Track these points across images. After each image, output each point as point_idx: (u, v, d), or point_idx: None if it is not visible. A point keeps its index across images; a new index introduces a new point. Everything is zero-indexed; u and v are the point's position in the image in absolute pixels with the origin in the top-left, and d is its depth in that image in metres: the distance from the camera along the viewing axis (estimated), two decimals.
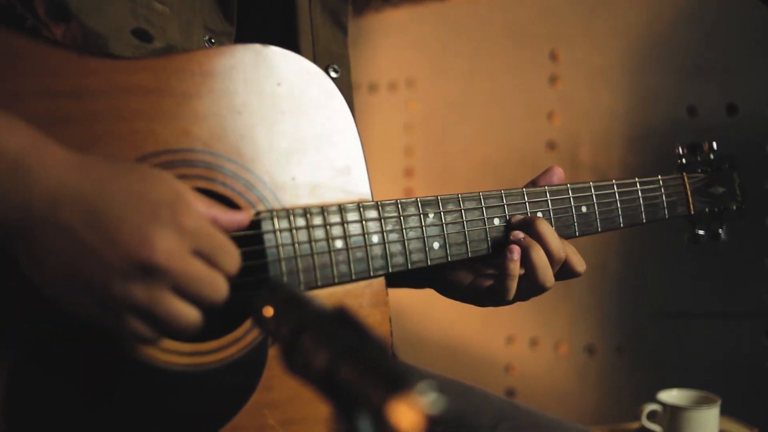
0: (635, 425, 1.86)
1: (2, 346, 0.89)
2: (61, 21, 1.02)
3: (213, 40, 1.16)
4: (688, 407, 1.74)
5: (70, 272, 0.82)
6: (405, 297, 2.70)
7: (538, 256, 1.17)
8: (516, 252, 1.17)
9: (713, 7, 2.16)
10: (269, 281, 1.01)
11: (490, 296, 1.23)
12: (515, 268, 1.17)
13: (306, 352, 0.62)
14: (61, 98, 0.93)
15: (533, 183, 1.32)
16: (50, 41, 1.00)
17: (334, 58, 1.34)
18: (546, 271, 1.18)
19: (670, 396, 1.79)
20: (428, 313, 2.72)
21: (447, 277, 1.29)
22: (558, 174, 1.31)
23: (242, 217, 0.94)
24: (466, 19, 2.59)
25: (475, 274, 1.27)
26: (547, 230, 1.19)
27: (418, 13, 2.70)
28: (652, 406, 1.78)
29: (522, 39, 2.48)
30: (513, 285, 1.18)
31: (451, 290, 1.31)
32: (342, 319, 0.63)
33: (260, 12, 1.28)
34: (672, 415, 1.74)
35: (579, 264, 1.24)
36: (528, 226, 1.20)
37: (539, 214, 1.24)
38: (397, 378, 0.54)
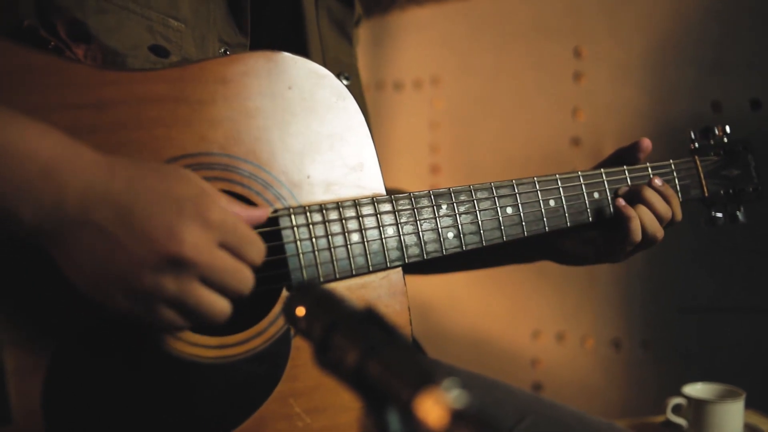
0: (660, 419, 1.87)
1: (43, 340, 0.93)
2: (82, 42, 1.07)
3: (228, 52, 1.21)
4: (712, 401, 1.74)
5: (102, 268, 0.87)
6: (432, 292, 2.73)
7: (648, 217, 1.33)
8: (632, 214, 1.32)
9: (736, 2, 2.15)
10: (300, 282, 1.05)
11: (608, 256, 1.40)
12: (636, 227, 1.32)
13: (338, 349, 0.65)
14: (84, 110, 0.98)
15: (620, 153, 1.44)
16: (71, 59, 1.05)
17: (343, 67, 1.39)
18: (654, 225, 1.34)
19: (695, 390, 1.79)
20: (455, 308, 2.74)
21: (563, 248, 1.43)
22: (645, 146, 1.41)
23: (260, 213, 0.98)
24: (490, 16, 2.60)
25: (585, 241, 1.40)
26: (652, 195, 1.34)
27: (442, 10, 2.71)
28: (676, 400, 1.78)
29: (546, 36, 2.49)
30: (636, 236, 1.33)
31: (569, 257, 1.45)
32: (371, 317, 0.66)
33: (270, 25, 1.32)
34: (697, 409, 1.74)
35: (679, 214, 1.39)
36: (636, 194, 1.34)
37: (551, 202, 1.29)
38: (424, 374, 0.57)
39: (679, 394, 1.79)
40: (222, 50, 1.20)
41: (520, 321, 2.60)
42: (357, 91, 1.43)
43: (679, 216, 1.38)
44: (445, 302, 2.75)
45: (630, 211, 1.32)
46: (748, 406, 1.77)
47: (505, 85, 2.58)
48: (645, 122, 2.31)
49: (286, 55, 1.10)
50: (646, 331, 2.36)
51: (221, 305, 0.91)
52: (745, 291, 2.17)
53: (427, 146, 2.77)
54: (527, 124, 2.55)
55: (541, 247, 1.45)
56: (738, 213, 1.51)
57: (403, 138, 2.77)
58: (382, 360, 0.60)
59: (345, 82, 1.38)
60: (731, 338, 2.19)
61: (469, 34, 2.65)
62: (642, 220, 1.32)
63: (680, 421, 1.78)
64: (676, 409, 1.79)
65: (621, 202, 1.33)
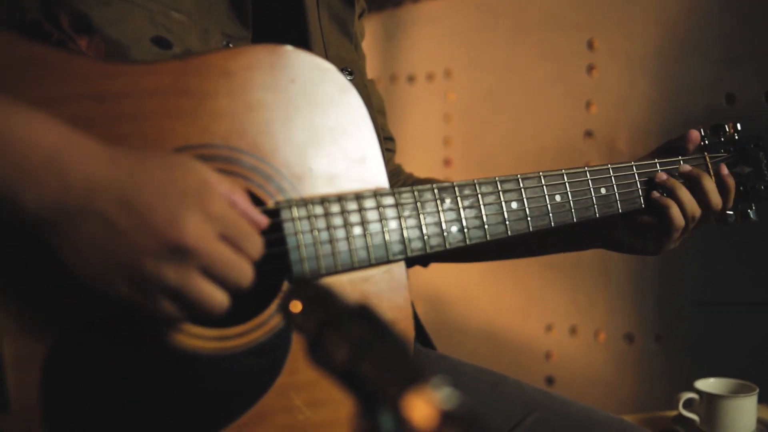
0: (672, 413, 1.86)
1: (42, 331, 0.94)
2: (85, 34, 1.07)
3: (231, 45, 1.21)
4: (724, 396, 1.73)
5: (104, 256, 0.87)
6: (445, 286, 2.73)
7: (682, 192, 1.37)
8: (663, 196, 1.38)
9: None
10: (300, 275, 1.05)
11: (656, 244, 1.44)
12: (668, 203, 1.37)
13: (329, 346, 0.65)
14: (85, 102, 0.98)
15: (667, 146, 1.47)
16: (73, 51, 1.06)
17: (345, 63, 1.38)
18: (692, 204, 1.38)
19: (707, 384, 1.78)
20: (469, 303, 2.74)
21: (614, 236, 1.47)
22: (693, 138, 1.45)
23: (260, 218, 0.97)
24: (503, 8, 2.59)
25: (636, 229, 1.44)
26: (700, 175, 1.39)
27: (455, 3, 2.70)
28: (688, 395, 1.77)
29: (559, 28, 2.48)
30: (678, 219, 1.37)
31: (622, 246, 1.49)
32: (364, 314, 0.66)
33: (273, 20, 1.31)
34: (709, 404, 1.73)
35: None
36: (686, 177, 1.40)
37: (557, 197, 1.28)
38: (413, 373, 0.56)
39: (691, 388, 1.78)
40: (225, 43, 1.20)
41: (534, 315, 2.59)
42: (361, 85, 1.42)
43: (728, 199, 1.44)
44: (458, 296, 2.76)
45: (666, 200, 1.37)
46: (761, 400, 1.76)
47: (518, 78, 2.57)
48: (658, 115, 2.29)
49: (290, 48, 1.09)
50: (659, 325, 2.35)
51: (220, 298, 0.92)
52: (758, 285, 2.16)
53: (440, 139, 2.76)
54: (540, 116, 2.54)
55: (593, 235, 1.49)
56: (750, 211, 1.49)
57: (416, 131, 2.76)
58: (372, 358, 0.60)
59: (348, 77, 1.38)
60: (744, 333, 2.18)
61: (482, 27, 2.65)
62: (682, 204, 1.37)
63: (692, 416, 1.77)
64: (688, 404, 1.78)
65: (655, 194, 1.38)
